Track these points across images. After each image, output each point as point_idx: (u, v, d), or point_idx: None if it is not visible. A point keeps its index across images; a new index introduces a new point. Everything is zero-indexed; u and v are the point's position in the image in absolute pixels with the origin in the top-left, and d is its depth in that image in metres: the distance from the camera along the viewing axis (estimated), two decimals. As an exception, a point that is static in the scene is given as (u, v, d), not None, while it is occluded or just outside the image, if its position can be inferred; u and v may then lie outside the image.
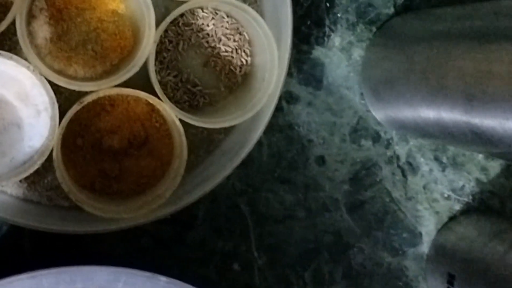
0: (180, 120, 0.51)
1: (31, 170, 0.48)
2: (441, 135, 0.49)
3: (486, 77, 0.41)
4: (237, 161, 0.51)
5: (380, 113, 0.57)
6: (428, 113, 0.48)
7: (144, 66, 0.50)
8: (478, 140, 0.44)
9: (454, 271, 0.55)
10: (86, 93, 0.50)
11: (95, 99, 0.50)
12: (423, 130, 0.51)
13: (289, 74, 0.56)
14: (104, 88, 0.49)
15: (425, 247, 0.59)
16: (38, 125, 0.50)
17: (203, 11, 0.53)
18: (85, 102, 0.49)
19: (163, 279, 0.41)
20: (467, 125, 0.44)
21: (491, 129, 0.41)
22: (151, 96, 0.50)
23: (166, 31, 0.53)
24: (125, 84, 0.50)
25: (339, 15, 0.57)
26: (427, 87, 0.47)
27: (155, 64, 0.51)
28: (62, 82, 0.49)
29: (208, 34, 0.54)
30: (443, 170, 0.59)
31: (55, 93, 0.49)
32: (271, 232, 0.58)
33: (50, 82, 0.49)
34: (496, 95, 0.40)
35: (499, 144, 0.42)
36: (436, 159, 0.59)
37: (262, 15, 0.53)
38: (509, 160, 0.56)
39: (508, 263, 0.51)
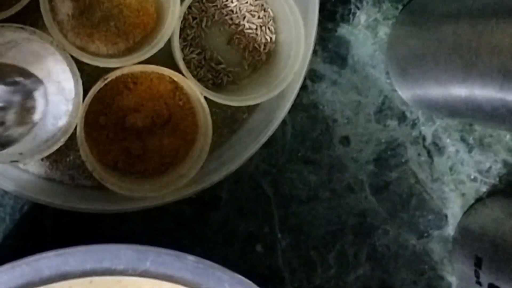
0: (204, 98, 0.50)
1: (55, 148, 0.48)
2: (472, 113, 0.48)
3: (523, 52, 0.40)
4: (262, 140, 0.51)
5: (406, 92, 0.56)
6: (460, 91, 0.47)
7: (167, 44, 0.49)
8: (512, 118, 0.43)
9: (481, 254, 0.54)
10: (108, 71, 0.49)
11: (118, 77, 0.49)
12: (453, 109, 0.50)
13: (314, 52, 0.55)
14: (128, 65, 0.48)
15: (450, 230, 0.58)
16: (61, 102, 0.49)
17: (227, -12, 0.52)
18: (109, 79, 0.48)
19: (191, 258, 0.40)
20: (501, 102, 0.42)
21: (528, 105, 0.40)
22: (175, 73, 0.49)
23: (189, 7, 0.52)
24: (148, 62, 0.49)
25: (365, -8, 0.56)
26: (458, 65, 0.46)
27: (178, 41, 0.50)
28: (85, 58, 0.48)
29: (232, 11, 0.53)
30: (470, 151, 0.58)
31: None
32: (294, 213, 0.57)
33: (72, 59, 0.48)
34: (533, 70, 0.39)
35: (535, 121, 0.41)
36: (463, 140, 0.58)
37: (287, -9, 0.51)
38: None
39: (538, 245, 0.50)
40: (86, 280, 0.43)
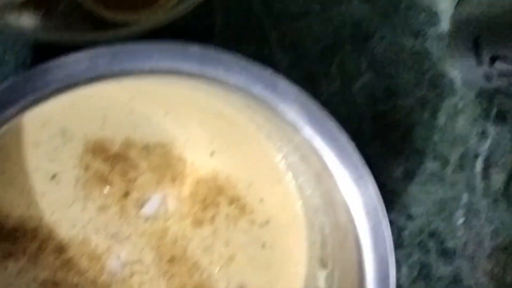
0: None
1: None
2: None
3: None
4: None
5: None
6: None
7: None
8: None
9: (479, 33, 0.55)
10: None
11: None
12: None
13: None
14: None
15: (445, 24, 0.59)
16: None
17: None
18: None
19: (196, 47, 0.40)
20: None
21: None
22: None
23: None
24: None
25: None
26: None
27: None
28: None
29: None
30: None
31: None
32: (289, 31, 0.57)
33: None
34: None
35: None
36: None
37: None
38: None
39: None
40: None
